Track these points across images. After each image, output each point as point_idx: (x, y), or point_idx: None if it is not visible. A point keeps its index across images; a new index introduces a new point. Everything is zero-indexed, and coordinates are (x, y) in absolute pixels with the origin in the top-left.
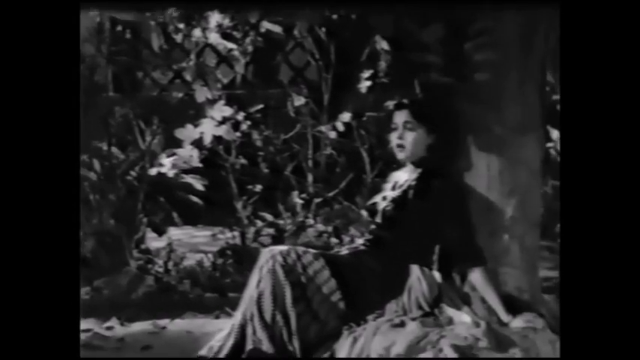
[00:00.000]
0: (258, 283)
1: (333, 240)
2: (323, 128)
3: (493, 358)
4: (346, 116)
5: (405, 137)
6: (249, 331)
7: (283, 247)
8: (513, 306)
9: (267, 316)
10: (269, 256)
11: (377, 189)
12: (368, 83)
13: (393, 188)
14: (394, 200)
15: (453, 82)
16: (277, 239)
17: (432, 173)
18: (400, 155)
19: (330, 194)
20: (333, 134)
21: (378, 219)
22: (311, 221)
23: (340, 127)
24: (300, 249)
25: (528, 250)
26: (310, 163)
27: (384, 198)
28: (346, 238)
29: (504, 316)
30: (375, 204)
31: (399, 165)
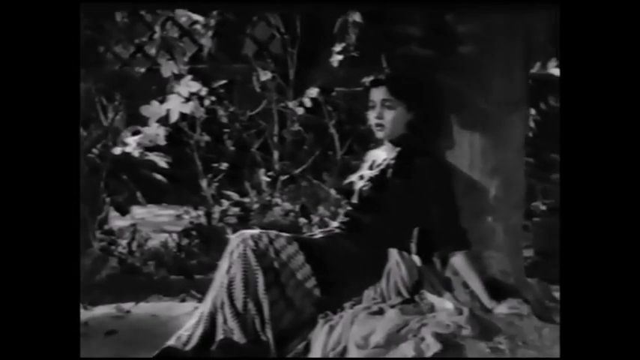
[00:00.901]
0: (228, 268)
1: (302, 220)
2: (290, 104)
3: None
4: (313, 91)
5: (383, 115)
6: (219, 319)
7: (254, 231)
8: (497, 291)
9: (239, 304)
10: (239, 240)
11: (347, 166)
12: (339, 57)
13: (371, 167)
14: (372, 180)
15: (433, 55)
16: (243, 218)
17: (413, 151)
18: (379, 134)
19: (297, 171)
20: (300, 110)
21: (355, 200)
22: (277, 200)
23: (307, 103)
24: (273, 232)
25: (512, 231)
26: (276, 139)
27: (361, 177)
28: (315, 218)
29: (488, 302)
30: (351, 184)
31: (376, 143)
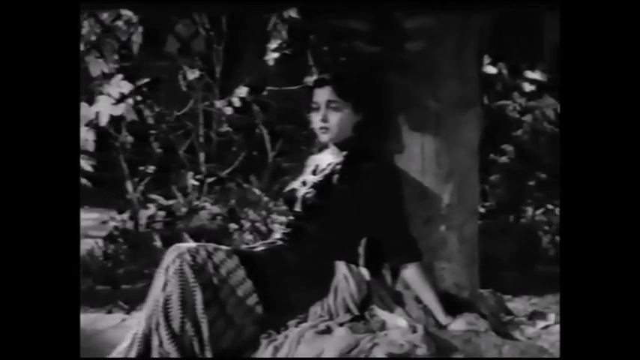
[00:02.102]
0: (164, 286)
1: (232, 225)
2: (218, 104)
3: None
4: (242, 91)
5: (328, 118)
6: (154, 342)
7: (192, 244)
8: (452, 306)
9: (176, 325)
10: (175, 254)
11: (279, 169)
12: (275, 55)
13: (314, 173)
14: (316, 186)
15: (381, 52)
16: (169, 223)
17: (360, 156)
18: (323, 137)
19: (224, 173)
20: (229, 110)
21: (298, 208)
22: (203, 203)
23: (236, 103)
24: (211, 245)
25: (467, 240)
26: (203, 140)
27: (304, 183)
28: (246, 224)
29: (443, 317)
30: (293, 191)
31: (319, 146)
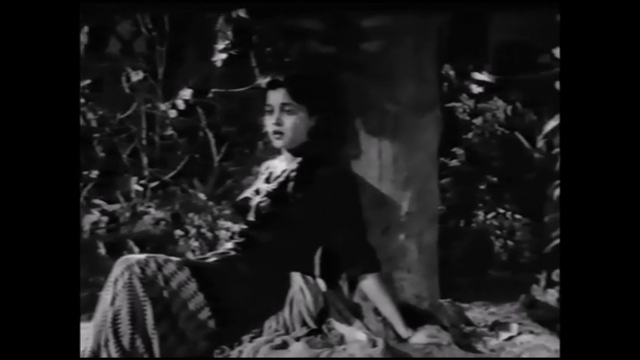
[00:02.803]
0: (112, 300)
1: (178, 231)
2: (162, 106)
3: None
4: (187, 93)
5: (282, 121)
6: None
7: (141, 256)
8: (412, 318)
9: (125, 341)
10: (124, 266)
11: (224, 173)
12: (223, 56)
13: (268, 180)
14: (270, 194)
15: (335, 52)
16: (112, 229)
17: (315, 162)
18: (277, 142)
19: (167, 177)
20: (173, 113)
21: (251, 217)
22: (146, 207)
23: (180, 105)
24: (161, 257)
25: (427, 249)
26: (146, 144)
27: (257, 192)
28: (192, 230)
29: (403, 330)
30: (246, 199)
31: (269, 151)
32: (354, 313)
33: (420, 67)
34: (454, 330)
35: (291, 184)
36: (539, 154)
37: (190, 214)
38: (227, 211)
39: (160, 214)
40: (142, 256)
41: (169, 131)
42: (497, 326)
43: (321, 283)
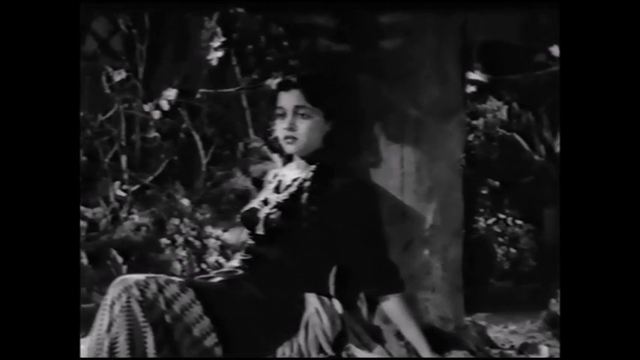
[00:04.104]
0: (109, 326)
1: (164, 240)
2: (146, 107)
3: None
4: (171, 93)
5: (296, 126)
6: None
7: (140, 276)
8: (437, 341)
9: None
10: (121, 288)
11: (212, 177)
12: (219, 54)
13: (277, 190)
14: (280, 206)
15: (350, 50)
16: (93, 238)
17: (331, 171)
18: (290, 148)
19: (147, 181)
20: (157, 114)
21: (260, 231)
22: (127, 213)
23: (165, 106)
24: (162, 277)
25: (451, 266)
26: (129, 146)
27: (265, 202)
28: (179, 238)
29: (429, 355)
30: (252, 211)
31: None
32: (374, 337)
33: (443, 68)
34: (481, 354)
35: (304, 195)
36: (539, 156)
37: (173, 220)
38: (209, 215)
39: (141, 220)
40: (142, 276)
41: (153, 133)
42: (525, 349)
43: (337, 305)
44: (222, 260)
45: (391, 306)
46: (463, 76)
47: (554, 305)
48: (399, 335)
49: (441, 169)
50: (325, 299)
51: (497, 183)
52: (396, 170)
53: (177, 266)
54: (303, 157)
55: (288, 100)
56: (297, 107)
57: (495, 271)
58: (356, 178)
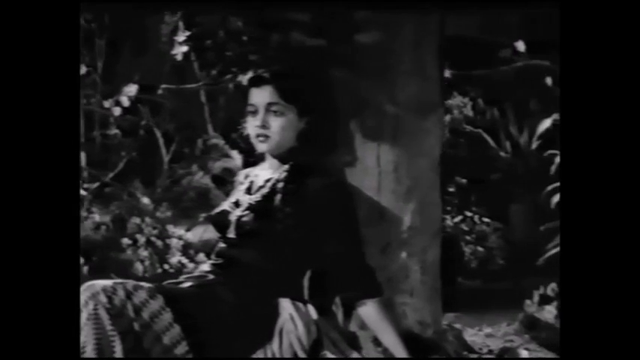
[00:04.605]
0: None
1: (125, 240)
2: (106, 103)
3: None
4: (132, 89)
5: (269, 123)
6: None
7: (107, 282)
8: (416, 347)
9: None
10: (88, 295)
11: (173, 175)
12: (184, 49)
13: (249, 191)
14: (253, 208)
15: (325, 45)
16: None
17: (305, 170)
18: (262, 147)
19: (107, 178)
20: (117, 110)
21: (231, 234)
22: (85, 212)
23: (125, 102)
24: (130, 283)
25: (430, 269)
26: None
27: (237, 204)
28: (142, 238)
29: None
30: (223, 213)
31: (253, 158)
32: (350, 343)
33: (421, 64)
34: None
35: (278, 197)
36: (505, 152)
37: (134, 219)
38: (169, 214)
39: (101, 219)
40: (109, 282)
41: (113, 130)
42: (505, 353)
43: (312, 310)
44: (185, 260)
45: (368, 311)
46: (441, 71)
47: (530, 307)
48: (377, 341)
49: (419, 168)
50: (300, 305)
51: (464, 180)
52: (373, 169)
53: (139, 267)
54: (275, 157)
55: (260, 96)
56: (269, 104)
57: (463, 270)
58: (332, 179)
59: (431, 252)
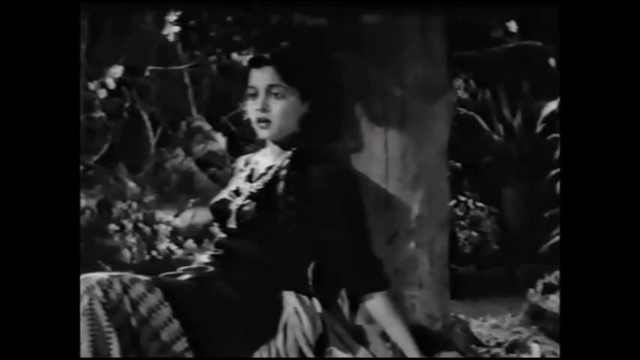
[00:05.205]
0: None
1: (112, 226)
2: (91, 85)
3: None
4: (117, 70)
5: (270, 107)
6: None
7: (103, 275)
8: (425, 341)
9: None
10: (83, 288)
11: (162, 160)
12: (176, 29)
13: (250, 179)
14: (254, 196)
15: (327, 25)
16: None
17: (309, 157)
18: (263, 133)
19: (92, 162)
20: (102, 93)
21: (232, 224)
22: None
23: (111, 85)
24: (127, 276)
25: (438, 261)
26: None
27: (237, 193)
28: (129, 225)
29: (417, 357)
30: (223, 202)
31: (255, 144)
32: (356, 338)
33: (428, 45)
34: (471, 354)
35: (280, 185)
36: (498, 136)
37: (119, 203)
38: (153, 198)
39: (86, 203)
40: (105, 275)
41: (98, 113)
42: (516, 347)
43: (317, 304)
44: (173, 247)
45: (375, 305)
46: (450, 54)
47: (534, 296)
48: (384, 336)
49: (427, 155)
50: (305, 298)
51: (458, 164)
52: (380, 156)
53: (127, 254)
54: (277, 143)
55: (260, 78)
56: (270, 86)
57: (457, 257)
58: (337, 166)
59: (438, 242)
